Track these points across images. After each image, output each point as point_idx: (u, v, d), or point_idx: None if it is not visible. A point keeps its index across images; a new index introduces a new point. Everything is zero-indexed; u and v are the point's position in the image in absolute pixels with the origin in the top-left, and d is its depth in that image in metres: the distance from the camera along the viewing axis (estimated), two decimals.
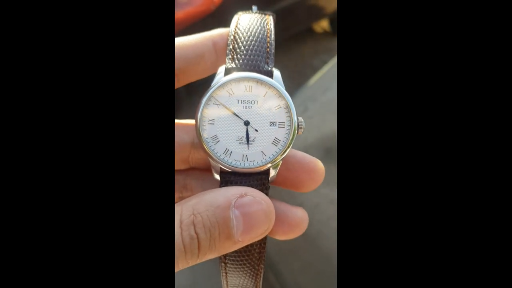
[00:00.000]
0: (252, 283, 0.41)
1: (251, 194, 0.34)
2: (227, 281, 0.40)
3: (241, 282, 0.41)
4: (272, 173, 0.39)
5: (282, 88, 0.38)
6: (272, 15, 0.45)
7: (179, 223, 0.31)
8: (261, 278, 0.40)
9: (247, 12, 0.46)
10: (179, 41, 0.40)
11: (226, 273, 0.40)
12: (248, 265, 0.39)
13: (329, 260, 0.76)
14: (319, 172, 0.40)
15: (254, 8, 0.47)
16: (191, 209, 0.32)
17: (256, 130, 0.38)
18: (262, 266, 0.40)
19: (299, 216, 0.39)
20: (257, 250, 0.39)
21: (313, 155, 0.40)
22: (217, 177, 0.39)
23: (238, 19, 0.43)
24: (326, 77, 0.88)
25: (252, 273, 0.40)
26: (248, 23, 0.42)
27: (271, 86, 0.38)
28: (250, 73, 0.38)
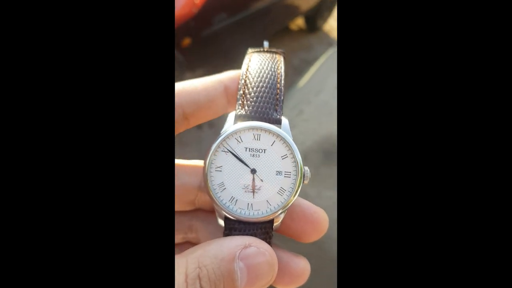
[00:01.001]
0: None
1: (255, 245, 0.34)
2: None
3: None
4: (277, 221, 0.39)
5: (289, 138, 0.39)
6: (283, 54, 0.46)
7: (185, 277, 0.31)
8: None
9: (258, 50, 0.46)
10: (190, 84, 0.41)
11: None
12: None
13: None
14: (323, 223, 0.40)
15: (266, 43, 0.47)
16: (197, 262, 0.32)
17: (262, 180, 0.38)
18: None
19: (301, 267, 0.39)
20: None
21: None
22: (221, 222, 0.39)
23: (250, 60, 0.43)
24: (315, 78, 0.89)
25: None
26: (259, 66, 0.42)
27: (278, 135, 0.38)
28: (259, 122, 0.39)
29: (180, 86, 0.41)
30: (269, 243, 0.38)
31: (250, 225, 0.38)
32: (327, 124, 0.84)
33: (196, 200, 0.42)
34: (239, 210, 0.38)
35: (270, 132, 0.38)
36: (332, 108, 0.92)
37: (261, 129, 0.38)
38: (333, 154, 0.80)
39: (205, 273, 0.31)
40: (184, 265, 0.32)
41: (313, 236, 0.40)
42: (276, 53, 0.45)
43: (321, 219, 0.40)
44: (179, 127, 0.41)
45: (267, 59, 0.43)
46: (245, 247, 0.33)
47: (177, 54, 2.20)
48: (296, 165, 0.38)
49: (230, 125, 0.39)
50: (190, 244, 0.44)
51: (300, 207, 0.40)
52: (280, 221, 0.39)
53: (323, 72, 0.92)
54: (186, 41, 2.20)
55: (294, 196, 0.38)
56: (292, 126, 0.39)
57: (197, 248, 0.34)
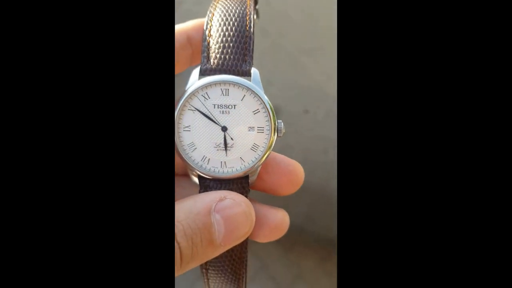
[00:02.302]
0: None
1: (231, 197, 0.33)
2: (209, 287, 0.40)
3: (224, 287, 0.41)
4: (252, 176, 0.38)
5: (260, 91, 0.36)
6: None
7: None
8: (244, 282, 0.40)
9: None
10: None
11: (208, 279, 0.40)
12: (229, 270, 0.39)
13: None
14: (299, 175, 0.39)
15: None
16: None
17: (232, 139, 0.36)
18: (245, 270, 0.39)
19: (280, 218, 0.39)
20: (238, 255, 0.38)
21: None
22: (196, 180, 0.37)
23: (215, 6, 0.40)
24: None
25: (234, 278, 0.40)
26: (225, 12, 0.38)
27: (249, 89, 0.36)
28: (226, 76, 0.36)
29: None
30: (245, 197, 0.37)
31: (226, 182, 0.37)
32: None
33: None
34: (212, 169, 0.36)
35: (239, 86, 0.36)
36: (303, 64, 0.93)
37: (229, 83, 0.36)
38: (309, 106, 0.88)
39: (180, 228, 0.31)
40: None
41: (289, 188, 0.39)
42: None
43: (297, 171, 0.39)
44: None
45: (234, 3, 0.40)
46: (221, 199, 0.33)
47: None
48: (269, 120, 0.37)
49: (195, 81, 0.36)
50: None
51: (275, 161, 0.39)
52: (255, 175, 0.38)
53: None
54: None
55: (268, 151, 0.37)
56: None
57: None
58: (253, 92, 0.36)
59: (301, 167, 0.40)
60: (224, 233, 0.32)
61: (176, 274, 0.32)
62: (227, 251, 0.37)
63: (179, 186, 0.41)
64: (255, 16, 0.43)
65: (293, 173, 0.39)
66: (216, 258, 0.37)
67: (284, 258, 1.05)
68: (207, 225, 0.32)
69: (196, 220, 0.31)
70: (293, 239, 1.08)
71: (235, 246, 0.37)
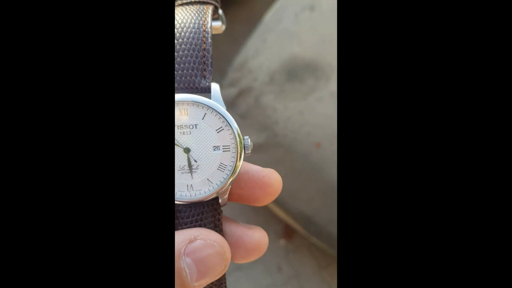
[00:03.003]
0: None
1: (202, 238, 0.32)
2: None
3: None
4: (223, 196, 0.36)
5: (222, 108, 0.34)
6: (215, 3, 0.38)
7: None
8: None
9: (184, 2, 0.38)
10: None
11: None
12: None
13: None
14: (275, 185, 0.38)
15: None
16: None
17: (195, 161, 0.34)
18: None
19: (256, 238, 0.37)
20: (215, 282, 0.38)
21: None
22: None
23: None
24: (278, 11, 0.97)
25: None
26: (180, 24, 0.35)
27: (209, 107, 0.34)
28: (183, 95, 0.33)
29: None
30: (218, 219, 0.36)
31: (195, 205, 0.35)
32: (287, 47, 0.93)
33: None
34: (179, 193, 0.35)
35: (198, 105, 0.33)
36: (291, 33, 0.93)
37: (188, 102, 0.33)
38: (295, 72, 0.92)
39: None
40: None
41: (266, 199, 0.38)
42: (204, 3, 0.38)
43: (272, 181, 0.38)
44: None
45: (188, 14, 0.36)
46: (190, 241, 0.31)
47: None
48: (234, 137, 0.34)
49: None
50: None
51: (247, 174, 0.37)
52: (226, 195, 0.36)
53: (284, 4, 0.97)
54: None
55: (237, 170, 0.35)
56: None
57: None
58: (214, 110, 0.34)
59: (277, 174, 0.38)
60: (197, 276, 0.31)
61: None
62: None
63: None
64: (219, 24, 0.40)
65: (267, 184, 0.38)
66: None
67: (318, 274, 1.08)
68: (178, 270, 0.30)
69: None
70: (331, 259, 1.10)
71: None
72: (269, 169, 0.38)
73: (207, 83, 0.34)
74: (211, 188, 0.35)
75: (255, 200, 0.38)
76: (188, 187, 0.35)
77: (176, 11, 0.37)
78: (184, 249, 0.31)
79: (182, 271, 0.31)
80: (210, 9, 0.37)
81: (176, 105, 0.33)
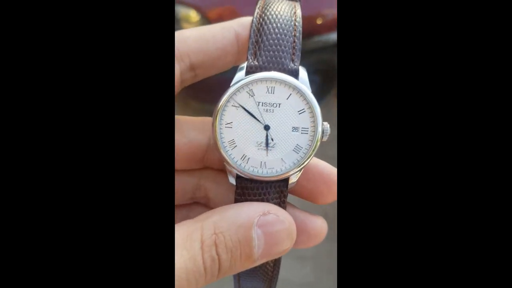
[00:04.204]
0: (266, 286, 0.40)
1: (274, 213, 0.32)
2: (239, 284, 0.40)
3: (254, 285, 0.40)
4: (292, 180, 0.37)
5: (307, 90, 0.35)
6: (299, 1, 0.41)
7: (200, 244, 0.30)
8: (275, 283, 0.40)
9: None
10: (198, 32, 0.37)
11: (239, 277, 0.39)
12: (262, 271, 0.38)
13: None
14: None
15: None
16: (213, 228, 0.30)
17: (272, 140, 0.35)
18: (277, 271, 0.39)
19: (319, 225, 0.38)
20: (272, 260, 0.37)
21: None
22: (233, 181, 0.37)
23: (263, 6, 0.39)
24: None
25: (265, 278, 0.39)
26: (274, 11, 0.38)
27: (295, 87, 0.35)
28: (273, 73, 0.35)
29: (186, 34, 0.37)
30: (283, 201, 0.36)
31: (264, 184, 0.36)
32: None
33: (205, 158, 0.40)
34: (251, 169, 0.35)
35: (285, 84, 0.35)
36: None
37: (276, 80, 0.35)
38: None
39: (222, 239, 0.30)
40: (199, 231, 0.30)
41: (329, 197, 0.38)
42: (292, 0, 0.40)
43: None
44: (186, 80, 0.38)
45: (282, 4, 0.38)
46: (264, 214, 0.32)
47: None
48: (315, 120, 0.35)
49: (240, 77, 0.35)
50: (198, 204, 0.42)
51: (316, 168, 0.37)
52: (295, 180, 0.37)
53: None
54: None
55: (312, 153, 0.35)
56: None
57: (212, 213, 0.32)
58: (299, 91, 0.35)
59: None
60: (264, 249, 0.31)
61: (211, 282, 0.31)
62: None
63: (216, 182, 0.41)
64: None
65: (334, 182, 0.38)
66: None
67: None
68: (248, 239, 0.31)
69: (238, 232, 0.31)
70: None
71: None
72: (336, 168, 0.38)
73: (296, 66, 0.35)
74: (283, 168, 0.35)
75: (318, 196, 0.38)
76: (262, 163, 0.35)
77: (266, 4, 0.39)
78: (257, 220, 0.31)
79: (252, 240, 0.31)
80: (298, 4, 0.40)
81: (264, 82, 0.35)
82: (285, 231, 0.32)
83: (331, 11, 1.19)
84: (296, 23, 0.37)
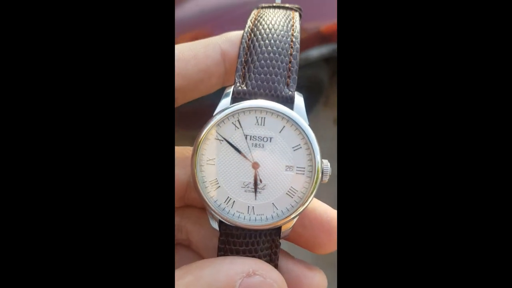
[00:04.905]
0: None
1: (261, 274, 0.27)
2: None
3: None
4: (286, 228, 0.31)
5: (304, 123, 0.29)
6: (300, 11, 0.35)
7: None
8: None
9: (268, 5, 0.35)
10: (177, 51, 0.32)
11: None
12: None
13: None
14: None
15: None
16: None
17: (261, 181, 0.29)
18: None
19: (315, 283, 0.31)
20: None
21: None
22: (216, 226, 0.31)
23: (255, 19, 0.33)
24: None
25: None
26: (267, 25, 0.32)
27: (290, 119, 0.29)
28: (263, 101, 0.29)
29: None
30: (275, 253, 0.31)
31: (252, 232, 0.30)
32: None
33: (186, 196, 0.34)
34: (237, 214, 0.30)
35: (278, 115, 0.29)
36: None
37: (267, 110, 0.29)
38: None
39: None
40: None
41: (329, 247, 0.32)
42: (290, 9, 0.35)
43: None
44: None
45: (277, 15, 0.33)
46: (248, 275, 0.27)
47: None
48: (312, 159, 0.29)
49: (226, 105, 0.30)
50: (179, 246, 0.37)
51: (314, 212, 0.31)
52: (290, 227, 0.31)
53: None
54: None
55: (309, 199, 0.29)
56: None
57: (187, 270, 0.27)
58: (294, 123, 0.29)
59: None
60: None
61: None
62: None
63: (199, 223, 0.35)
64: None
65: (335, 229, 0.32)
66: None
67: None
68: None
69: None
70: None
71: None
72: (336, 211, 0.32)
73: (290, 92, 0.30)
74: (275, 215, 0.30)
75: (316, 246, 0.33)
76: (249, 208, 0.30)
77: (260, 14, 0.34)
78: (240, 283, 0.26)
79: None
80: (297, 15, 0.34)
81: (253, 112, 0.29)
82: None
83: (314, 25, 1.13)
84: (294, 39, 0.32)
